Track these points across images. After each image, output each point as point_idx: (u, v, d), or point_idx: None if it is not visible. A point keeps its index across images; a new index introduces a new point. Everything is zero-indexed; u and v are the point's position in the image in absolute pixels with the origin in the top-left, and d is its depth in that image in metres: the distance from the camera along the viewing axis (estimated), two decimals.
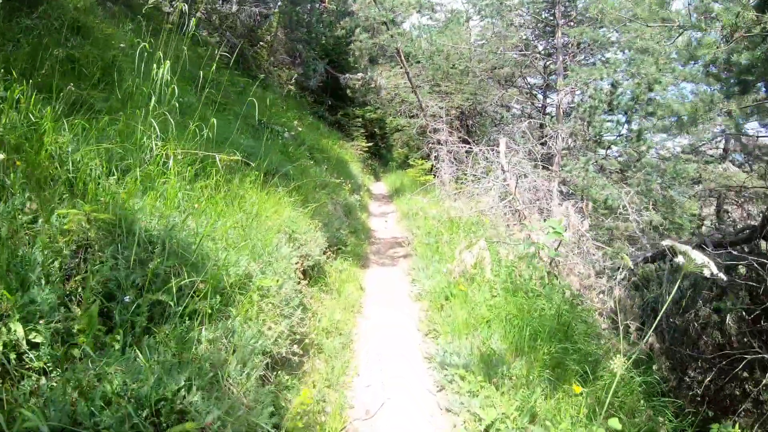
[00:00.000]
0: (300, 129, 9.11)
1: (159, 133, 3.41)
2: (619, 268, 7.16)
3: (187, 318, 2.74)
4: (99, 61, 5.15)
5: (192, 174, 3.86)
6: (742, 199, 18.08)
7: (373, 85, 16.65)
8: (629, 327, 6.19)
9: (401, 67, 14.97)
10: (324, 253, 5.49)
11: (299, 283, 3.95)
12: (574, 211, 5.64)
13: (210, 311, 2.86)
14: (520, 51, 18.73)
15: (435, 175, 14.26)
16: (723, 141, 18.58)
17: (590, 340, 4.34)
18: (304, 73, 18.21)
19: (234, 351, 2.87)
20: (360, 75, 17.30)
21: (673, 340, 5.45)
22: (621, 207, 8.81)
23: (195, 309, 2.80)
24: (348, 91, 17.23)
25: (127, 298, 2.55)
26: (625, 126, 13.62)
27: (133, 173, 3.25)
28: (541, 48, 19.14)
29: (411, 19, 21.39)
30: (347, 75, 17.72)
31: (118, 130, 3.72)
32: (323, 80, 18.62)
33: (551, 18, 17.95)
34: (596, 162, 12.07)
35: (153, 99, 3.47)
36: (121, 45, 7.56)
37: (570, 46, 17.95)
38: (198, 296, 2.79)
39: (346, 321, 4.73)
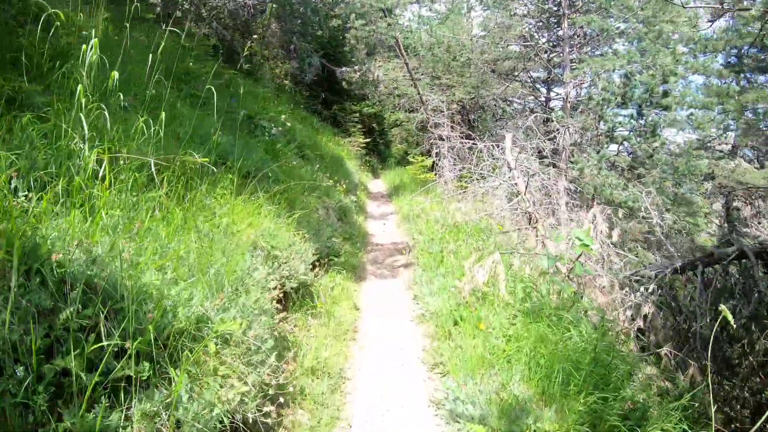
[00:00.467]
0: (288, 125, 8.33)
1: (87, 132, 2.63)
2: (646, 279, 6.42)
3: (110, 390, 2.00)
4: (50, 50, 4.40)
5: (142, 182, 3.10)
6: (754, 197, 17.35)
7: (371, 78, 15.82)
8: (661, 349, 5.47)
9: (400, 58, 14.16)
10: (312, 268, 4.74)
11: (275, 316, 3.20)
12: (603, 218, 4.90)
13: (145, 376, 2.11)
14: (524, 42, 17.93)
15: (436, 173, 13.50)
16: (732, 136, 17.87)
17: (631, 380, 3.60)
18: (299, 67, 17.39)
19: (178, 426, 2.13)
20: (357, 68, 16.49)
21: (718, 372, 4.71)
22: (643, 209, 8.05)
23: (126, 375, 2.06)
24: (344, 83, 16.40)
25: (19, 371, 1.81)
26: (636, 120, 12.88)
27: (52, 187, 2.50)
28: (544, 40, 18.33)
29: (410, 10, 20.58)
30: (344, 68, 16.89)
31: (48, 131, 2.97)
32: (318, 74, 17.82)
33: (555, 8, 17.16)
34: (608, 159, 11.30)
35: (80, 88, 2.69)
36: (83, 33, 6.77)
37: (576, 37, 17.15)
38: (127, 356, 2.05)
39: (338, 353, 3.99)
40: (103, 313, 2.11)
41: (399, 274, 6.39)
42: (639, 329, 5.87)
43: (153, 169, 2.76)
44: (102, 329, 2.01)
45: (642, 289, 6.42)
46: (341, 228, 7.26)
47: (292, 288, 3.93)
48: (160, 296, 2.45)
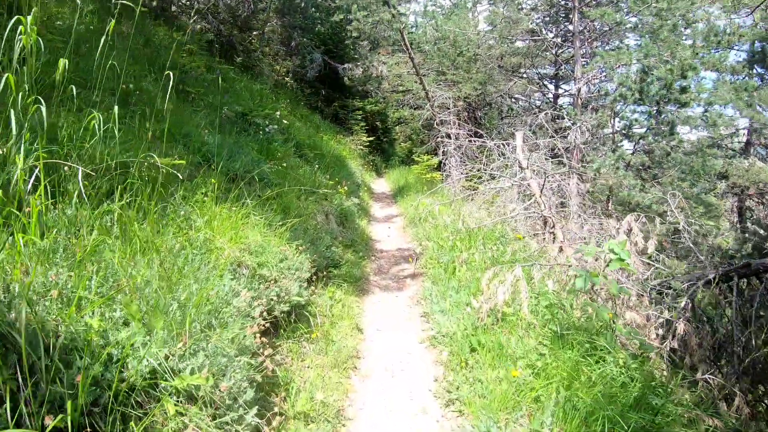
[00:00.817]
0: (285, 122, 7.77)
1: (15, 132, 2.07)
2: (677, 291, 5.84)
3: None
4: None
5: (104, 192, 2.55)
6: None
7: (374, 74, 15.25)
8: (703, 376, 4.90)
9: (404, 52, 13.59)
10: (309, 283, 4.20)
11: (259, 352, 2.64)
12: (638, 227, 4.34)
13: None
14: (532, 37, 17.32)
15: (443, 173, 12.93)
16: (745, 134, 17.23)
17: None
18: (300, 64, 16.85)
19: None
20: (360, 64, 15.93)
21: (760, 399, 4.15)
22: (669, 213, 7.45)
23: None
24: (346, 80, 15.83)
25: None
26: (653, 117, 12.27)
27: None
28: (552, 35, 17.69)
29: (414, 5, 20.07)
30: (347, 65, 16.33)
31: None
32: (320, 71, 17.27)
33: (564, 1, 16.55)
34: (624, 158, 10.70)
35: (7, 77, 2.13)
36: (58, 23, 6.27)
37: (586, 31, 16.52)
38: None
39: (336, 386, 3.43)
40: (17, 375, 1.57)
41: (406, 286, 5.82)
42: (671, 349, 5.31)
43: (80, 178, 2.19)
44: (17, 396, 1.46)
45: (673, 303, 5.87)
46: (342, 234, 6.71)
47: (283, 312, 3.37)
48: (104, 343, 1.90)
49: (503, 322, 4.10)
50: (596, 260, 4.80)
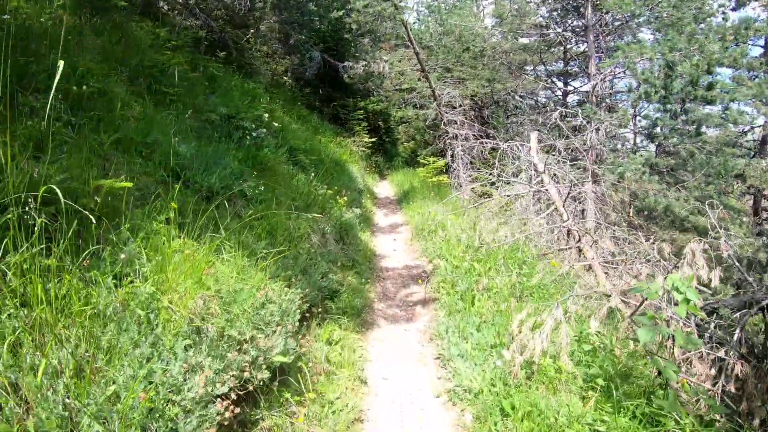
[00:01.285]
0: (276, 125, 6.97)
1: None
2: (730, 325, 5.05)
3: None
4: None
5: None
6: None
7: (376, 72, 14.45)
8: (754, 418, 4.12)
9: (407, 48, 12.79)
10: (300, 324, 3.42)
11: None
12: (702, 255, 3.56)
13: None
14: (541, 31, 16.49)
15: (451, 176, 12.15)
16: (761, 132, 16.41)
17: None
18: (299, 63, 16.09)
19: None
20: (361, 62, 15.12)
21: None
22: (711, 228, 6.64)
23: None
24: (346, 78, 15.04)
25: None
26: (678, 116, 11.44)
27: None
28: (560, 30, 16.82)
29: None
30: (347, 63, 15.53)
31: None
32: (319, 69, 16.48)
33: None
34: (649, 161, 9.87)
35: None
36: (5, 16, 5.54)
37: (598, 25, 15.66)
38: None
39: None
40: None
41: (416, 316, 5.03)
42: (728, 394, 4.52)
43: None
44: None
45: (724, 334, 5.08)
46: (342, 251, 5.92)
47: (262, 380, 2.59)
48: None
49: (539, 374, 3.33)
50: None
